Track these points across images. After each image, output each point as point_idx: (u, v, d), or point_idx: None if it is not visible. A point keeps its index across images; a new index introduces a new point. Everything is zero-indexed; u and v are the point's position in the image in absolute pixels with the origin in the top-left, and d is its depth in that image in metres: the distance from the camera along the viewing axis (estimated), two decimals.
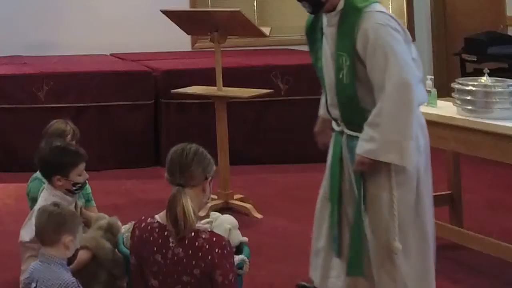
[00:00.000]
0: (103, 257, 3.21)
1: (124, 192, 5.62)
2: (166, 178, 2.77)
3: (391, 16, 3.13)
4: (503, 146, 3.60)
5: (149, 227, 2.72)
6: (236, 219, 3.31)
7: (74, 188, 3.30)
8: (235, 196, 5.16)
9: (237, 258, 3.05)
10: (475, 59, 6.79)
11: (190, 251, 2.63)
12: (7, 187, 5.11)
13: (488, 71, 3.89)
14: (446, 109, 4.03)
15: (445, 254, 4.03)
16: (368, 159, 3.08)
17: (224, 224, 3.24)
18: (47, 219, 2.83)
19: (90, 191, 3.88)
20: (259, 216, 4.98)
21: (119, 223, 3.40)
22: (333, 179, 3.37)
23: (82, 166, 3.34)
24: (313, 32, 3.38)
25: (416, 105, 3.09)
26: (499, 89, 3.76)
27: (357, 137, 3.16)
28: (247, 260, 3.09)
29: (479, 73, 4.66)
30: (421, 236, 3.17)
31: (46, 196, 3.31)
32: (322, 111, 3.51)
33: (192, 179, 2.71)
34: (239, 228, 3.29)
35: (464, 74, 6.78)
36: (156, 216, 2.75)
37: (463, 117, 3.82)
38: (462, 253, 4.14)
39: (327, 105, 3.38)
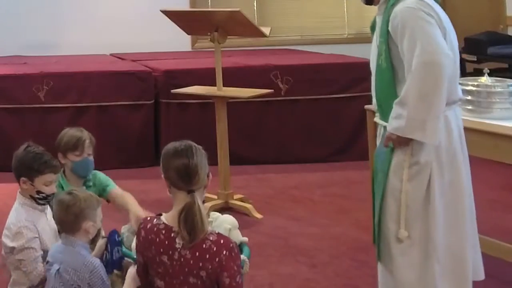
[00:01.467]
0: None
1: None
2: (171, 183, 2.71)
3: (425, 2, 3.12)
4: (503, 146, 3.59)
5: (155, 229, 2.70)
6: (236, 219, 3.30)
7: (37, 196, 3.27)
8: (235, 196, 5.16)
9: None
10: (475, 59, 6.80)
11: (197, 253, 2.62)
12: (7, 187, 5.11)
13: (488, 71, 3.89)
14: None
15: None
16: (396, 136, 3.11)
17: (224, 224, 3.24)
18: (66, 212, 2.88)
19: (104, 180, 3.79)
20: (259, 216, 4.98)
21: (102, 232, 3.37)
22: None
23: (49, 176, 3.28)
24: (374, 27, 3.41)
25: (446, 92, 3.03)
26: (499, 89, 3.76)
27: None
28: (247, 260, 3.09)
29: (479, 73, 4.66)
30: (426, 234, 3.17)
31: (16, 205, 3.28)
32: None
33: (199, 182, 2.70)
34: (239, 228, 3.28)
35: (464, 74, 6.77)
36: (162, 217, 2.73)
37: (463, 117, 3.81)
38: None
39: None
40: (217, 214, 3.37)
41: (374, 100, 3.32)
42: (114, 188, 3.77)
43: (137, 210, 3.52)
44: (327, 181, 5.74)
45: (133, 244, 3.28)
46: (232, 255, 2.63)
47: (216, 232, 2.71)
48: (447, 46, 3.07)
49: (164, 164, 2.74)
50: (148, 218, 2.79)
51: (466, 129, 3.73)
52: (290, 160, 6.22)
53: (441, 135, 3.15)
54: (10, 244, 3.17)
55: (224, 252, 2.61)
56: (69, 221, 2.89)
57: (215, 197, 5.09)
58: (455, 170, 3.23)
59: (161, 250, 2.68)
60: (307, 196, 5.42)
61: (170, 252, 2.66)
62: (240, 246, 3.24)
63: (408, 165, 3.14)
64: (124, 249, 3.25)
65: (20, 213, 3.21)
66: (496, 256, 3.95)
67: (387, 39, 3.14)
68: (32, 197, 3.26)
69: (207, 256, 2.61)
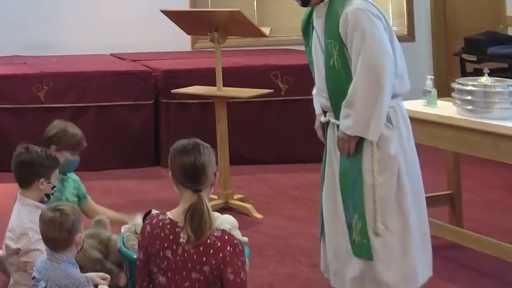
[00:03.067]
0: (90, 268, 3.18)
1: (124, 192, 5.61)
2: (178, 181, 2.71)
3: (372, 3, 3.26)
4: (503, 146, 3.60)
5: (160, 223, 2.71)
6: (236, 219, 3.31)
7: (52, 192, 3.29)
8: (235, 196, 5.16)
9: None
10: (475, 59, 6.78)
11: (201, 248, 2.62)
12: (7, 187, 5.11)
13: (488, 71, 3.89)
14: (446, 109, 4.03)
15: (444, 254, 4.04)
16: (346, 134, 3.26)
17: (224, 224, 3.24)
18: (59, 230, 2.82)
19: (83, 188, 3.85)
20: (259, 216, 4.98)
21: (117, 246, 3.35)
22: (322, 167, 3.61)
23: (57, 170, 3.35)
24: (307, 28, 3.51)
25: (390, 92, 3.20)
26: (499, 89, 3.76)
27: None
28: (247, 260, 3.09)
29: (479, 73, 4.66)
30: (403, 224, 3.26)
31: (18, 207, 3.27)
32: (317, 107, 3.61)
33: (206, 181, 2.71)
34: (239, 228, 3.29)
35: (464, 74, 6.77)
36: (168, 213, 2.74)
37: (463, 117, 3.82)
38: (462, 253, 4.14)
39: (318, 97, 3.50)
40: (217, 214, 3.37)
41: (324, 100, 3.42)
42: (91, 200, 3.86)
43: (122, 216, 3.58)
44: None
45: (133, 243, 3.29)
46: (236, 251, 2.63)
47: (221, 228, 2.71)
48: (395, 46, 3.24)
49: (171, 162, 2.74)
50: (154, 214, 2.80)
51: (466, 129, 3.76)
52: (290, 160, 6.22)
53: (401, 123, 3.30)
54: (14, 246, 3.16)
55: (229, 247, 2.62)
56: (63, 239, 2.83)
57: (215, 197, 5.09)
58: (412, 154, 3.37)
59: (165, 244, 2.68)
60: (307, 196, 5.42)
61: (174, 247, 2.66)
62: None
63: (378, 159, 3.24)
64: (124, 249, 3.26)
65: (23, 214, 3.21)
66: (496, 256, 3.95)
67: (340, 41, 3.24)
68: (46, 195, 3.26)
69: (211, 251, 2.61)
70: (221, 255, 2.61)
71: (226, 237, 2.65)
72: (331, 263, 3.49)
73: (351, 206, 3.30)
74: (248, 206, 5.05)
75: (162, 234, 2.69)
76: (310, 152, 6.23)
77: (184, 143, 2.75)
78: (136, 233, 3.32)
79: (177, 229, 2.68)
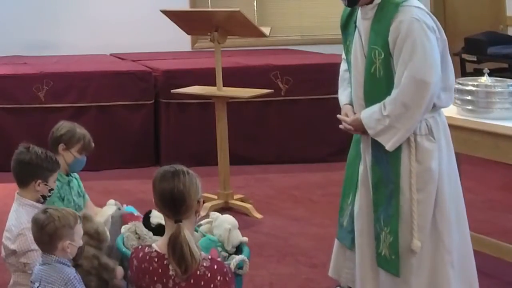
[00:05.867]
0: (88, 265, 3.17)
1: (124, 192, 5.61)
2: (159, 209, 2.67)
3: (428, 14, 3.14)
4: (503, 146, 3.59)
5: (147, 257, 2.66)
6: (236, 219, 3.31)
7: (49, 194, 3.29)
8: (235, 196, 5.16)
9: (237, 258, 3.05)
10: (475, 59, 6.79)
11: (192, 280, 2.57)
12: (7, 187, 5.11)
13: (488, 71, 3.88)
14: (446, 109, 4.02)
15: None
16: (363, 127, 3.18)
17: (224, 224, 3.24)
18: (40, 232, 2.81)
19: (82, 188, 3.82)
20: (259, 216, 4.98)
21: (107, 234, 3.32)
22: (350, 177, 3.47)
23: (57, 173, 3.35)
24: (347, 26, 3.38)
25: (428, 109, 3.12)
26: (499, 89, 3.76)
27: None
28: (247, 260, 3.09)
29: (479, 73, 4.66)
30: (437, 239, 3.17)
31: (16, 207, 3.26)
32: (346, 100, 3.44)
33: (188, 211, 2.63)
34: (239, 228, 3.28)
35: (464, 74, 6.78)
36: (153, 245, 2.69)
37: (463, 117, 3.82)
38: None
39: (353, 103, 3.37)
40: (217, 214, 3.37)
41: (360, 108, 3.28)
42: (89, 201, 3.82)
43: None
44: (327, 181, 5.73)
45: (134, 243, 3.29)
46: (226, 279, 2.58)
47: (209, 257, 2.66)
48: (447, 60, 3.15)
49: (153, 189, 2.69)
50: (140, 247, 2.74)
51: (466, 129, 3.75)
52: (290, 160, 6.22)
53: (441, 135, 3.20)
54: (11, 246, 3.15)
55: (219, 277, 2.57)
56: (44, 241, 2.81)
57: (215, 197, 5.09)
58: (452, 169, 3.25)
59: (155, 278, 2.62)
60: (307, 196, 5.42)
61: (164, 280, 2.61)
62: (240, 246, 3.24)
63: (417, 173, 3.13)
64: (124, 249, 3.25)
65: (20, 214, 3.20)
66: (496, 256, 3.95)
67: (387, 50, 3.12)
68: (42, 196, 3.26)
69: (202, 283, 2.56)
70: (212, 285, 2.55)
71: (216, 266, 2.59)
72: (359, 269, 3.36)
73: (382, 218, 3.21)
74: (248, 206, 5.05)
75: (151, 268, 2.63)
76: (310, 152, 6.24)
77: (165, 169, 2.68)
78: (136, 232, 3.31)
79: (165, 262, 2.61)
